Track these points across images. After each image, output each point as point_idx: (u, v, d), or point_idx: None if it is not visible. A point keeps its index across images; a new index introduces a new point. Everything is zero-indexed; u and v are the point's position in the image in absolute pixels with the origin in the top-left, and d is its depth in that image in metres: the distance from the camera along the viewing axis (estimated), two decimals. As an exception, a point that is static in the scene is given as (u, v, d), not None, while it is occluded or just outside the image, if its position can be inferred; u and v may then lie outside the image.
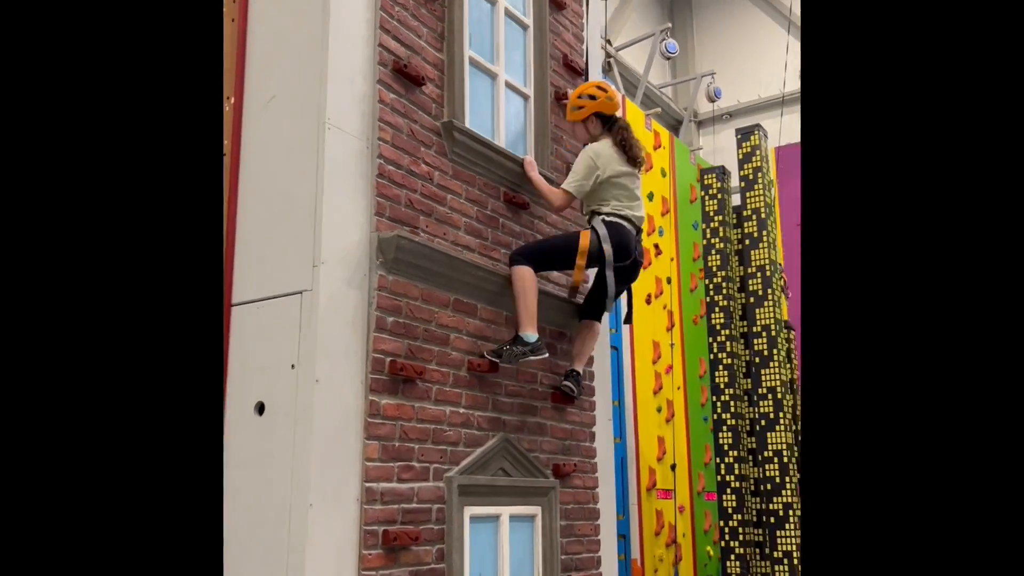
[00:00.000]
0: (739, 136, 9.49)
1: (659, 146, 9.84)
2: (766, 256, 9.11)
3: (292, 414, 2.93)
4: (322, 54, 3.15)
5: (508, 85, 4.06)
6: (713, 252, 9.27)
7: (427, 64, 3.58)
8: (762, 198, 9.23)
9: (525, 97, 4.19)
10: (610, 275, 3.72)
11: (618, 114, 4.02)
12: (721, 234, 9.31)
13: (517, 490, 3.68)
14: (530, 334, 3.57)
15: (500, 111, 3.97)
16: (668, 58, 12.68)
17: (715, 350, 9.14)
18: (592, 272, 4.04)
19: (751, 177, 9.34)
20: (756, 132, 9.40)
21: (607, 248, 3.71)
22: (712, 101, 12.67)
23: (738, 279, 9.35)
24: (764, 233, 9.13)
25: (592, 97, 4.00)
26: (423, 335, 3.33)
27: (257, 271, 3.16)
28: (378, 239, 3.18)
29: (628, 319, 4.23)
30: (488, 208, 3.81)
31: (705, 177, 9.44)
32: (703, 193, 9.51)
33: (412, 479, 3.19)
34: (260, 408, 3.02)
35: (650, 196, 9.38)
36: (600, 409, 4.34)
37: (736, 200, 9.71)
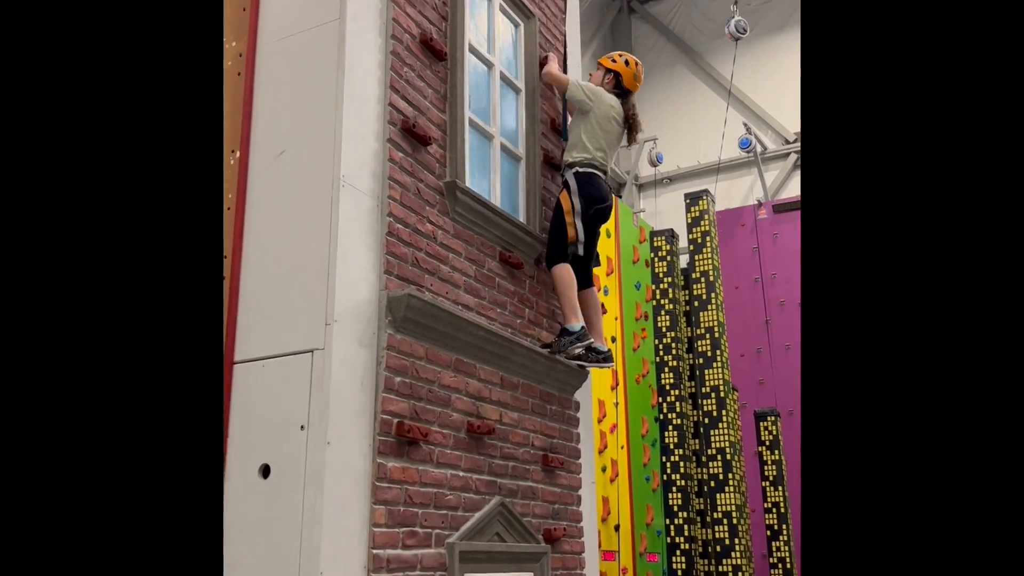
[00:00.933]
0: (688, 200, 9.75)
1: (605, 207, 10.06)
2: (714, 318, 9.30)
3: (301, 477, 2.82)
4: (336, 111, 3.13)
5: (503, 147, 4.10)
6: (663, 313, 9.43)
7: (432, 124, 3.59)
8: (710, 261, 9.46)
9: (517, 159, 4.23)
10: (578, 223, 4.07)
11: (634, 93, 4.42)
12: (670, 295, 9.48)
13: (512, 556, 3.61)
14: (574, 324, 3.97)
15: (496, 172, 4.00)
16: (614, 123, 13.02)
17: (664, 410, 9.23)
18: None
19: (699, 241, 9.58)
20: (704, 197, 9.67)
21: (575, 200, 4.08)
22: (654, 165, 13.03)
23: (686, 340, 9.50)
24: (712, 295, 9.34)
25: (626, 63, 4.44)
26: (427, 396, 3.27)
27: (262, 328, 3.07)
28: (388, 297, 3.13)
29: (597, 262, 4.52)
30: (485, 268, 3.80)
31: (655, 239, 9.65)
32: (653, 255, 9.70)
33: (416, 545, 3.10)
34: (265, 471, 2.91)
35: (596, 256, 9.54)
36: (585, 472, 4.31)
37: (683, 262, 9.93)
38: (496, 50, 4.15)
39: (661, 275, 9.60)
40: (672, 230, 9.73)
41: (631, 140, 4.42)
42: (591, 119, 4.23)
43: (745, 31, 11.30)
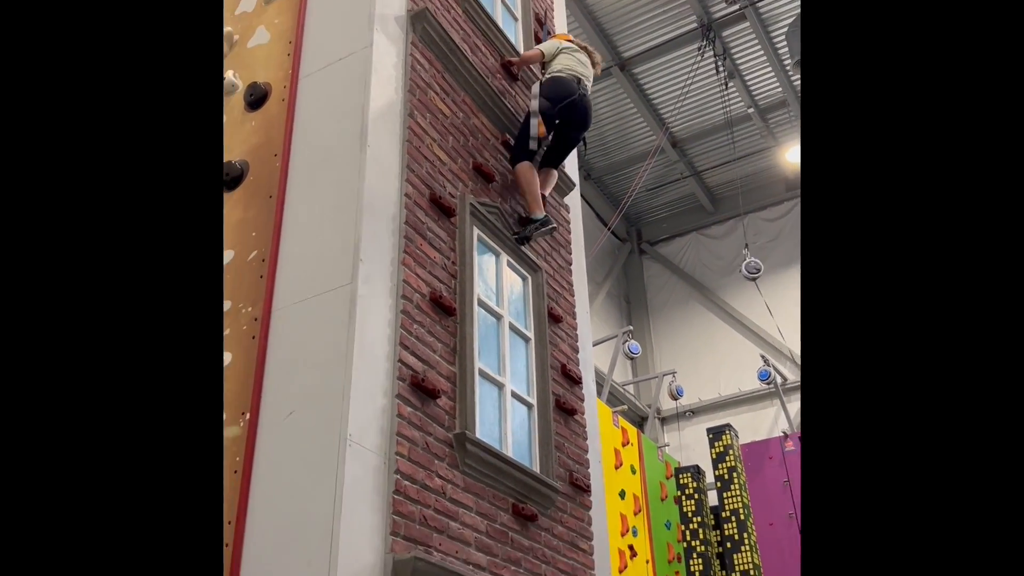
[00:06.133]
0: (711, 436, 9.61)
1: (627, 443, 9.86)
2: (749, 559, 8.85)
3: None
4: (345, 371, 3.18)
5: (513, 395, 4.12)
6: (695, 556, 9.00)
7: (441, 377, 3.63)
8: (740, 499, 9.15)
9: (529, 405, 4.23)
10: (533, 122, 4.52)
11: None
12: (701, 536, 9.09)
13: None
14: (537, 213, 4.43)
15: (507, 421, 3.98)
16: (631, 358, 13.15)
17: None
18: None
19: (726, 477, 9.33)
20: (727, 432, 9.54)
21: (533, 104, 4.59)
22: (675, 399, 12.98)
23: (722, 584, 8.99)
24: (745, 535, 8.94)
25: (549, 34, 5.53)
26: (437, 669, 3.05)
27: (263, 599, 2.93)
28: (394, 561, 3.01)
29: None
30: (497, 522, 3.68)
31: (680, 476, 9.41)
32: (679, 493, 9.42)
33: None
34: None
35: (621, 494, 9.24)
36: None
37: (712, 499, 9.61)
38: (505, 302, 4.28)
39: (690, 514, 9.26)
40: (697, 466, 9.51)
41: (593, 62, 5.04)
42: (554, 57, 4.88)
43: (759, 271, 11.69)
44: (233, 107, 4.19)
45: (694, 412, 14.11)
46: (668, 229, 16.22)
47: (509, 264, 4.45)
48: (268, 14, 4.37)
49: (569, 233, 5.26)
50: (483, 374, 3.93)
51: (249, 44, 4.35)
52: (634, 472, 10.02)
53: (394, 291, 3.55)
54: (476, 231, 4.21)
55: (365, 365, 3.25)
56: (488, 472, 3.69)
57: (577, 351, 4.84)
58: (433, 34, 4.33)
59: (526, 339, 4.41)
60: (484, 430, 3.80)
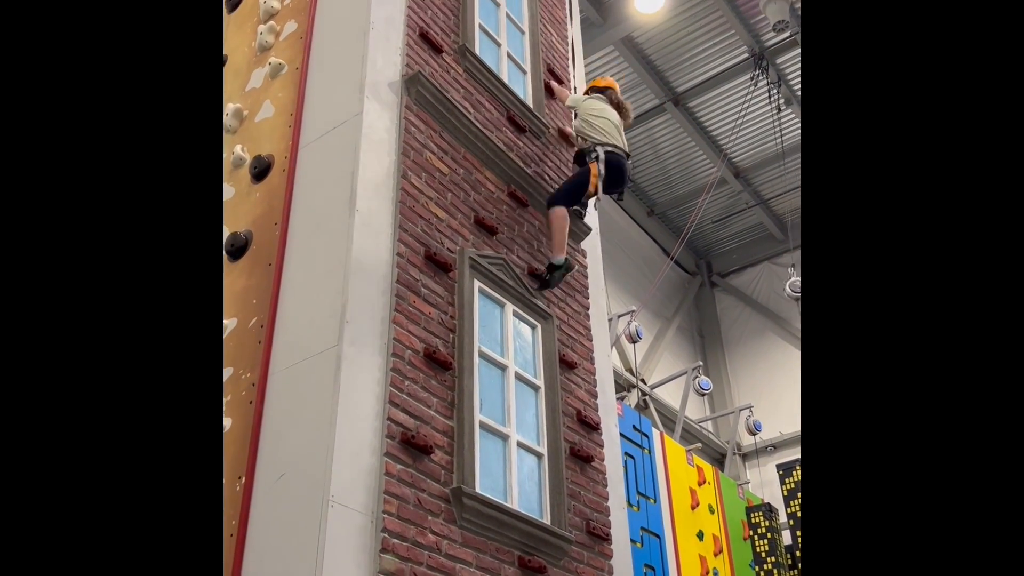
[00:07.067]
0: (781, 472, 9.30)
1: (704, 482, 9.63)
2: (828, 601, 8.46)
3: None
4: (329, 431, 3.26)
5: (520, 445, 4.11)
6: (770, 598, 8.66)
7: (436, 432, 3.67)
8: (814, 537, 8.79)
9: (538, 455, 4.21)
10: (600, 184, 4.76)
11: (608, 89, 5.29)
12: (776, 577, 8.76)
13: None
14: (559, 258, 4.52)
15: (512, 472, 3.98)
16: (702, 394, 12.89)
17: None
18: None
19: (799, 515, 8.99)
20: (798, 467, 9.21)
21: (603, 169, 4.76)
22: (753, 434, 12.64)
23: (802, 628, 8.61)
24: (822, 575, 8.56)
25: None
26: None
27: (252, 661, 3.00)
28: (379, 620, 3.04)
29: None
30: (501, 576, 3.67)
31: (752, 515, 9.12)
32: (752, 533, 9.11)
33: None
34: None
35: (699, 535, 9.00)
36: None
37: (787, 538, 9.27)
38: (510, 352, 4.30)
39: (763, 554, 8.94)
40: (768, 504, 9.20)
41: (624, 118, 5.18)
42: (583, 115, 5.06)
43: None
44: (240, 179, 4.39)
45: (775, 447, 13.68)
46: (738, 260, 15.94)
47: (515, 314, 4.48)
48: (273, 88, 4.58)
49: (586, 278, 5.25)
50: (485, 426, 3.94)
51: (256, 119, 4.56)
52: (712, 512, 9.77)
53: (384, 350, 3.63)
54: (477, 284, 4.26)
55: (350, 425, 3.32)
56: (489, 526, 3.69)
57: (595, 396, 4.80)
58: (428, 96, 4.45)
59: (535, 388, 4.41)
60: (487, 483, 3.80)
